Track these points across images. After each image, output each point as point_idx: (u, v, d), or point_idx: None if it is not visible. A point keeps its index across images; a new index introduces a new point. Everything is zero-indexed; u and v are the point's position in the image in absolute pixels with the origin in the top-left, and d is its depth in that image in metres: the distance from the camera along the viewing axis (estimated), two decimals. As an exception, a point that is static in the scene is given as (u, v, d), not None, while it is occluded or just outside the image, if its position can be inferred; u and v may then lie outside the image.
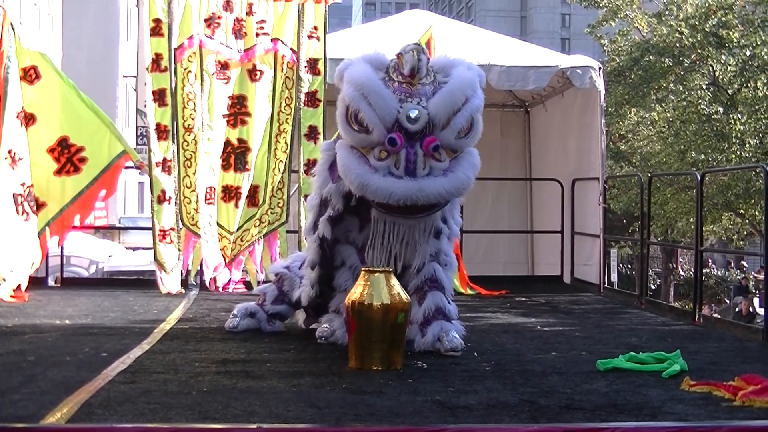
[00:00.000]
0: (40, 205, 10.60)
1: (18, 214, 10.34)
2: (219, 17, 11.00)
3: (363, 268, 6.63)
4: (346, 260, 7.34)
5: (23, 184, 10.44)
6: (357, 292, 6.42)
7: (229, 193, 11.08)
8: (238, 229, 11.10)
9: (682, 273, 35.68)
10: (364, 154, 6.82)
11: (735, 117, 24.00)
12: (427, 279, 7.15)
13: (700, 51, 24.79)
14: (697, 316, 9.54)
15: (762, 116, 23.79)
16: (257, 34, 11.07)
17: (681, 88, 25.49)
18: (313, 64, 11.14)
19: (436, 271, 7.21)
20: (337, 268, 7.40)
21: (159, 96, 10.88)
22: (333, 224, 7.24)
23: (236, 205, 11.07)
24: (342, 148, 6.99)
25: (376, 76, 6.89)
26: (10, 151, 10.35)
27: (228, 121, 11.08)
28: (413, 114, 6.70)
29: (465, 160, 6.94)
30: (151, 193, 11.00)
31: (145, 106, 11.37)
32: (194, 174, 10.87)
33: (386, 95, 6.76)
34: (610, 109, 24.56)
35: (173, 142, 10.86)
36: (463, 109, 6.80)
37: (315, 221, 7.38)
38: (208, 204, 10.95)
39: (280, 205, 11.10)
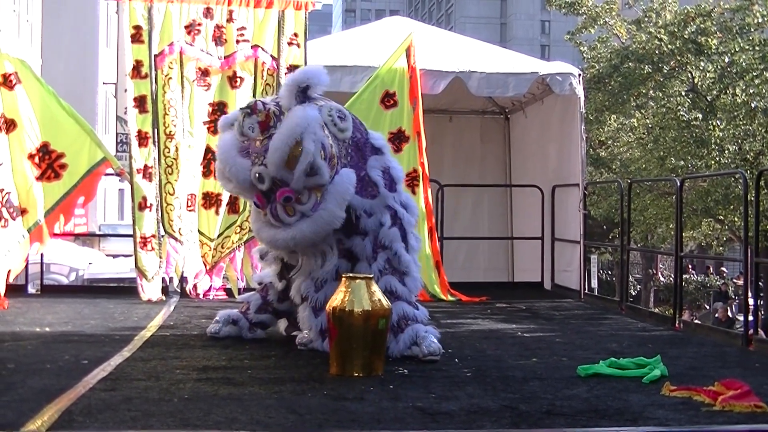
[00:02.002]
0: (21, 212, 10.52)
1: (-5, 220, 10.30)
2: (199, 24, 10.99)
3: (344, 275, 6.66)
4: (305, 267, 7.42)
5: (1, 191, 10.37)
6: (338, 298, 6.42)
7: (210, 200, 11.06)
8: (218, 236, 11.08)
9: (662, 279, 35.77)
10: None
11: (714, 123, 24.10)
12: (384, 293, 7.14)
13: (679, 58, 24.90)
14: (677, 322, 9.58)
15: (741, 122, 23.89)
16: (237, 41, 11.06)
17: (660, 95, 25.56)
18: (293, 71, 11.11)
19: (390, 283, 7.27)
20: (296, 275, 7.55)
21: (140, 103, 10.85)
22: None
23: (217, 212, 11.05)
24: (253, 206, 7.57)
25: (233, 143, 7.25)
26: (-14, 157, 10.32)
27: (209, 128, 11.05)
28: (260, 176, 7.04)
29: (331, 194, 7.14)
30: (132, 200, 10.96)
31: (125, 112, 11.34)
32: (176, 181, 10.85)
33: (238, 163, 7.16)
34: (589, 116, 24.63)
35: (155, 148, 10.84)
36: (301, 157, 6.87)
37: None
38: (189, 211, 10.93)
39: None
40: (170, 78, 10.87)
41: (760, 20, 24.67)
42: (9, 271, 10.42)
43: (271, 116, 7.12)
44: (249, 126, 7.11)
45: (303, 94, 7.14)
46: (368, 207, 7.41)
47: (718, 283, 33.68)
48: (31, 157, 10.60)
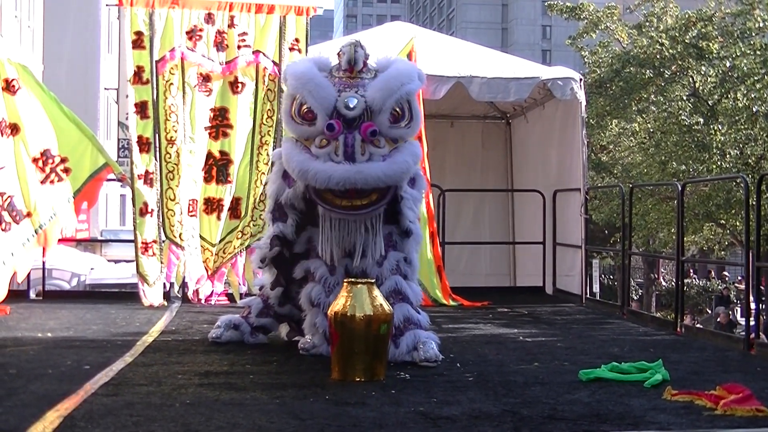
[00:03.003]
0: (25, 216, 10.54)
1: (-6, 223, 10.33)
2: (200, 30, 11.01)
3: (345, 280, 6.67)
4: (315, 272, 7.39)
5: (2, 194, 10.39)
6: (339, 303, 6.43)
7: (211, 206, 11.07)
8: (220, 242, 11.09)
9: (663, 283, 35.75)
10: (307, 146, 7.15)
11: (715, 128, 24.10)
12: (392, 292, 7.18)
13: (680, 62, 24.90)
14: (678, 326, 9.57)
15: (742, 127, 23.89)
16: (239, 47, 11.08)
17: (662, 99, 25.55)
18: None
19: (399, 284, 7.29)
20: (304, 280, 7.51)
21: (141, 108, 10.87)
22: (296, 229, 7.45)
23: (218, 218, 11.07)
24: (287, 142, 7.43)
25: (315, 68, 7.28)
26: (-13, 160, 10.35)
27: (210, 134, 11.08)
28: (351, 102, 7.08)
29: (405, 149, 7.26)
30: (134, 205, 10.98)
31: (126, 118, 11.36)
32: (177, 186, 10.86)
33: (324, 84, 7.16)
34: (591, 121, 24.62)
35: (155, 154, 10.85)
36: (395, 93, 7.12)
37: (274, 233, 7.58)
38: (191, 216, 10.94)
39: (263, 217, 11.07)
40: (171, 84, 10.89)
41: (761, 25, 24.66)
42: (15, 273, 10.47)
43: (368, 64, 7.38)
44: (360, 57, 7.28)
45: None
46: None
47: (719, 287, 33.66)
48: (34, 161, 10.64)
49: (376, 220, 7.25)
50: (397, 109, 7.17)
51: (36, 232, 10.60)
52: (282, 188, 7.45)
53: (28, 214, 10.56)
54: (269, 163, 11.06)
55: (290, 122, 7.31)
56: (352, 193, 7.00)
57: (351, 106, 7.06)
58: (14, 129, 10.59)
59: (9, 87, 10.57)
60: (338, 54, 7.40)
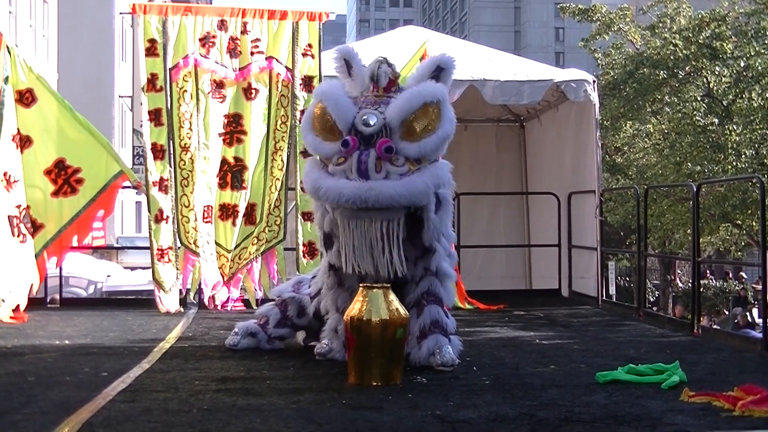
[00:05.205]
0: (38, 227, 10.62)
1: (14, 236, 10.37)
2: (214, 36, 11.03)
3: (361, 284, 6.66)
4: (345, 281, 7.35)
5: (18, 206, 10.46)
6: (355, 308, 6.43)
7: (227, 212, 11.08)
8: (235, 248, 11.10)
9: (680, 284, 35.66)
10: (327, 164, 7.01)
11: (730, 128, 24.05)
12: (424, 292, 7.18)
13: (694, 63, 24.87)
14: (695, 328, 9.54)
15: (757, 127, 23.84)
16: (252, 53, 11.10)
17: (676, 100, 25.53)
18: (308, 82, 11.16)
19: (434, 285, 7.24)
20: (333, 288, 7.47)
21: (155, 116, 10.89)
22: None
23: (234, 224, 11.08)
24: (309, 161, 7.35)
25: (340, 87, 7.18)
26: (5, 174, 10.39)
27: (224, 140, 11.09)
28: (371, 120, 6.90)
29: (427, 170, 7.04)
30: (149, 212, 11.00)
31: (141, 126, 11.38)
32: (192, 193, 10.88)
33: (343, 102, 7.01)
34: (605, 122, 24.61)
35: (170, 161, 10.88)
36: (438, 131, 7.11)
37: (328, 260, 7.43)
38: (206, 222, 10.96)
39: (278, 222, 11.11)
40: (185, 91, 10.91)
41: (774, 24, 24.63)
42: (31, 285, 10.52)
43: (397, 84, 7.26)
44: (384, 73, 7.16)
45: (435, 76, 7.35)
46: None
47: (736, 288, 33.56)
48: (47, 173, 10.70)
49: (395, 228, 6.96)
50: (416, 127, 6.97)
51: (47, 244, 10.67)
52: (324, 216, 7.28)
53: (41, 226, 10.63)
54: (284, 169, 11.10)
55: (308, 136, 7.16)
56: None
57: (371, 123, 6.87)
58: (27, 141, 10.66)
59: (22, 99, 10.63)
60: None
